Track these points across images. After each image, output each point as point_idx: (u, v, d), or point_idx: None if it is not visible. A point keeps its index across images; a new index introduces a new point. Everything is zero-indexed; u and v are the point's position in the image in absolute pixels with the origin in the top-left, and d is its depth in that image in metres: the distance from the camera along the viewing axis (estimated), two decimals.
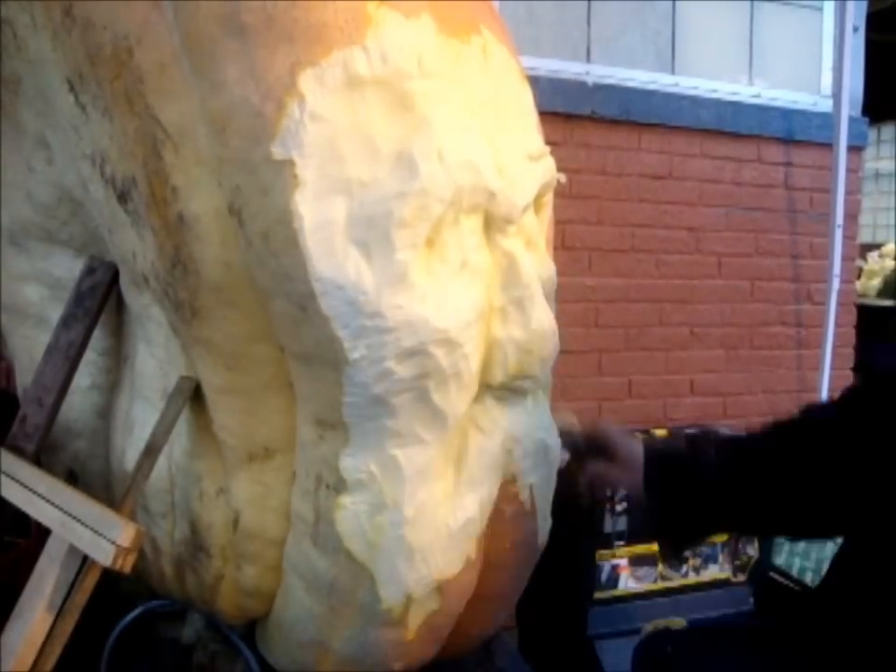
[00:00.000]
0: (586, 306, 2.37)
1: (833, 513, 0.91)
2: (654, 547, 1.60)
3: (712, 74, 2.51)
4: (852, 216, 2.69)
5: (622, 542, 1.57)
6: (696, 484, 0.97)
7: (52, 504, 1.07)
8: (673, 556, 1.11)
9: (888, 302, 4.99)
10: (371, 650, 1.09)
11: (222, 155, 0.92)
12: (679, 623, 1.17)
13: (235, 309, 1.01)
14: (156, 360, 1.16)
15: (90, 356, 1.27)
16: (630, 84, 2.38)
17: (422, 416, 1.00)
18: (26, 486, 1.11)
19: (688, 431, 1.08)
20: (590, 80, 2.32)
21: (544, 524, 1.23)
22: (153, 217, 0.98)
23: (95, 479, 1.33)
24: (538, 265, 1.09)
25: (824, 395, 2.59)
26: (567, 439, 1.17)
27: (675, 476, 0.99)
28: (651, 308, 2.46)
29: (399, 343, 0.93)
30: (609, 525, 1.55)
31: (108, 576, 1.04)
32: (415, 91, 0.93)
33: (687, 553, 1.62)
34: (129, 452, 1.21)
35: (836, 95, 2.54)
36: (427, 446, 1.01)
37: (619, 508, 1.54)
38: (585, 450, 1.10)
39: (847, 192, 2.58)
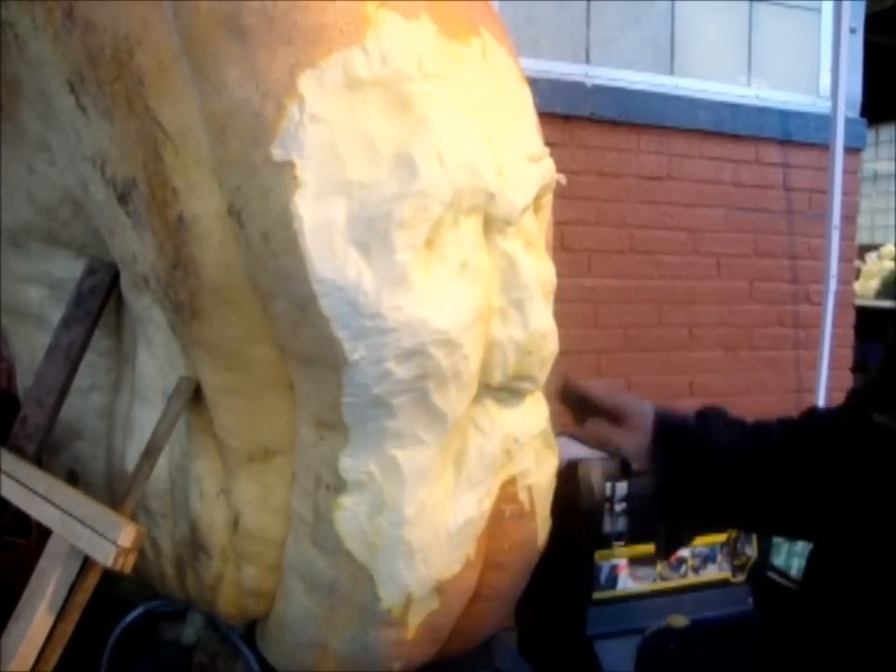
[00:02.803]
0: (585, 307, 2.37)
1: (826, 519, 0.90)
2: (653, 547, 1.60)
3: (711, 75, 2.52)
4: (850, 217, 2.70)
5: (621, 543, 1.57)
6: (704, 460, 0.94)
7: (53, 504, 1.07)
8: (666, 547, 1.07)
9: (886, 304, 5.00)
10: (370, 650, 1.09)
11: (222, 156, 0.93)
12: (681, 620, 1.16)
13: (235, 310, 1.01)
14: (156, 361, 1.17)
15: (90, 356, 1.27)
16: (629, 85, 2.39)
17: (422, 417, 1.00)
18: (27, 486, 1.11)
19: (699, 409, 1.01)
20: (589, 82, 2.33)
21: (543, 524, 1.23)
22: (153, 218, 0.98)
23: (96, 479, 1.33)
24: (537, 266, 1.10)
25: (822, 395, 2.59)
26: (570, 393, 1.11)
27: (682, 447, 0.95)
28: (650, 309, 2.47)
29: (399, 344, 0.93)
30: (608, 526, 1.55)
31: (109, 576, 1.05)
32: (415, 92, 0.93)
33: (681, 550, 1.60)
34: (129, 452, 1.21)
35: (833, 96, 2.54)
36: (426, 447, 1.01)
37: (618, 508, 1.54)
38: (588, 407, 1.04)
39: (845, 193, 2.59)
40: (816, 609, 0.94)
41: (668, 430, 0.98)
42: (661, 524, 1.02)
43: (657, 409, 1.01)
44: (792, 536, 1.03)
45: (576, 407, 1.08)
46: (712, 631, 1.01)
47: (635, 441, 0.99)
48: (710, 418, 0.99)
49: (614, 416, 1.03)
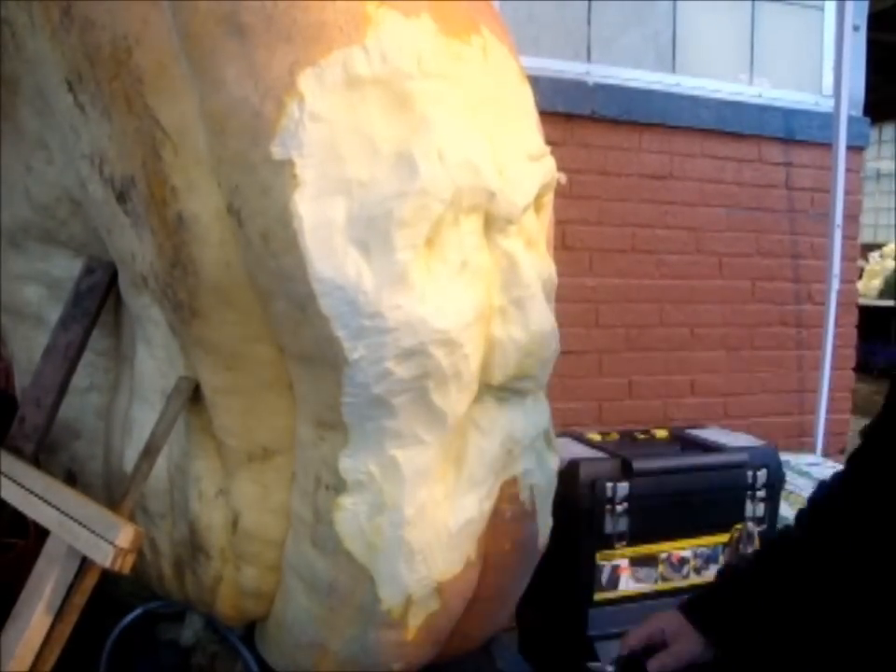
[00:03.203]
0: (586, 306, 2.37)
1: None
2: (655, 548, 1.60)
3: (713, 73, 2.51)
4: (853, 216, 2.69)
5: (622, 543, 1.56)
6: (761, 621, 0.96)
7: (51, 505, 1.07)
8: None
9: (889, 303, 5.00)
10: (370, 651, 1.09)
11: (221, 155, 0.92)
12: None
13: (234, 309, 1.01)
14: (155, 361, 1.16)
15: (88, 356, 1.27)
16: (630, 84, 2.38)
17: (422, 417, 0.99)
18: (25, 487, 1.11)
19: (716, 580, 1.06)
20: (590, 80, 2.32)
21: (544, 524, 1.23)
22: (152, 217, 0.97)
23: (94, 479, 1.33)
24: (538, 265, 1.09)
25: (824, 396, 2.58)
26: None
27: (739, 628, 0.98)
28: (652, 308, 2.47)
29: (399, 344, 0.93)
30: (609, 526, 1.55)
31: (107, 577, 1.04)
32: (415, 90, 0.93)
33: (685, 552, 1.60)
34: (128, 452, 1.21)
35: (836, 95, 2.53)
36: (426, 447, 1.01)
37: (619, 508, 1.54)
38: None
39: (848, 192, 2.59)
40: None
41: (716, 627, 0.99)
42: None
43: (689, 617, 1.01)
44: None
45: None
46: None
47: (690, 647, 1.00)
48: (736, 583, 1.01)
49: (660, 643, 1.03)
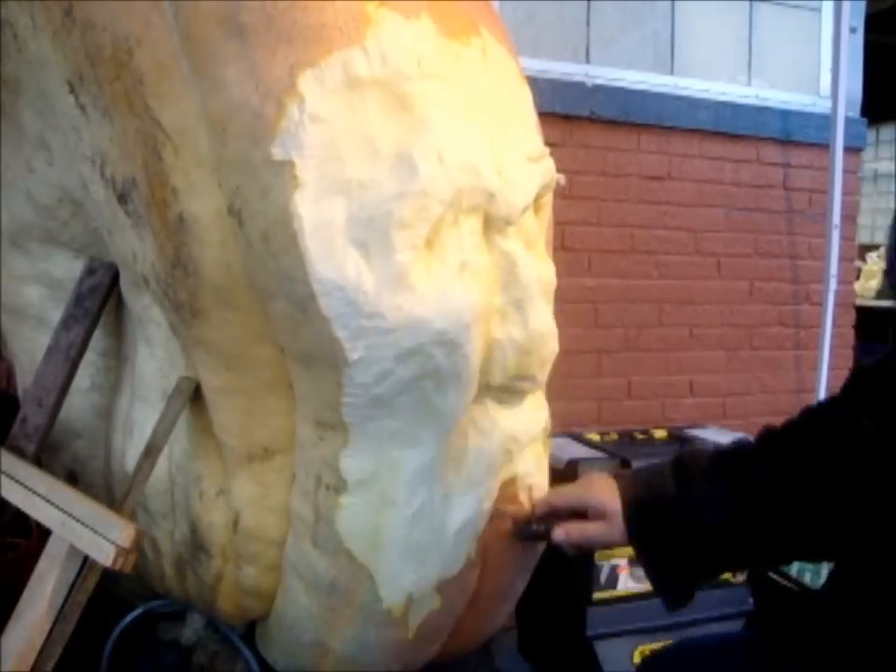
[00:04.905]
0: (586, 307, 2.37)
1: (843, 531, 0.84)
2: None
3: (711, 74, 2.52)
4: (850, 217, 2.70)
5: None
6: (690, 529, 0.89)
7: (52, 504, 1.07)
8: (677, 604, 1.01)
9: (887, 304, 5.00)
10: (371, 650, 1.09)
11: (222, 156, 0.93)
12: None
13: (235, 310, 1.01)
14: (156, 361, 1.17)
15: (90, 356, 1.27)
16: (629, 85, 2.39)
17: (422, 417, 1.00)
18: (26, 487, 1.11)
19: (667, 460, 0.95)
20: (589, 81, 2.32)
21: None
22: (153, 218, 0.98)
23: (95, 479, 1.33)
24: (537, 266, 1.09)
25: (822, 396, 2.59)
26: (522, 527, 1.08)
27: (663, 524, 0.91)
28: (651, 309, 2.47)
29: (399, 344, 0.93)
30: None
31: (108, 576, 1.05)
32: (415, 91, 0.93)
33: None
34: (129, 452, 1.21)
35: (834, 96, 2.54)
36: (426, 446, 1.01)
37: None
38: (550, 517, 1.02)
39: (846, 193, 2.59)
40: (838, 618, 0.91)
41: (642, 514, 0.92)
42: (662, 594, 0.97)
43: (622, 491, 0.94)
44: (808, 560, 0.97)
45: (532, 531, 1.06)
46: (701, 649, 1.00)
47: (609, 531, 0.95)
48: (682, 469, 0.93)
49: (579, 514, 0.99)
